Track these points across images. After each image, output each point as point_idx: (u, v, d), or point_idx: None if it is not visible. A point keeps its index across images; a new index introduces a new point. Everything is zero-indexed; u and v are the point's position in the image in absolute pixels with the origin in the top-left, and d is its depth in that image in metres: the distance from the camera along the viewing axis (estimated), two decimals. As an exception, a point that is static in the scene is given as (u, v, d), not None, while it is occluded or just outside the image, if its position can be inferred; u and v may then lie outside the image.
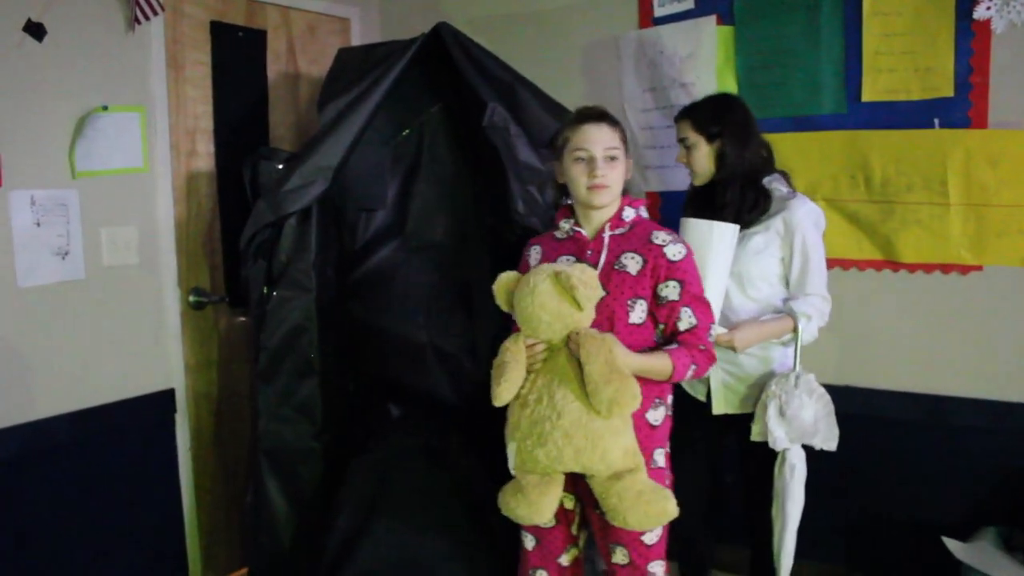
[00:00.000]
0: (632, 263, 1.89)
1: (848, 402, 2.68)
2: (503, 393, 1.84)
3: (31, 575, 2.34)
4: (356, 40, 3.35)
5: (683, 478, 2.17)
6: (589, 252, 1.94)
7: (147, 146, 2.59)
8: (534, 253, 2.08)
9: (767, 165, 2.31)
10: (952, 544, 2.41)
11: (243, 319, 2.92)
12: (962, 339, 2.60)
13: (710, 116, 2.26)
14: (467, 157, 2.82)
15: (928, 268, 2.63)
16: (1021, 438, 2.54)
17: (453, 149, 2.84)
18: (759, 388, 2.26)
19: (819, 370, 2.30)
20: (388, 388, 2.84)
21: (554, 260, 1.98)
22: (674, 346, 1.90)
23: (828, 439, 2.22)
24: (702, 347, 1.91)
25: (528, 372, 1.87)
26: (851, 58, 2.64)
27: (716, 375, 2.28)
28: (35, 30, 2.27)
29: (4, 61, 2.24)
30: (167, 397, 2.71)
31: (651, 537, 1.94)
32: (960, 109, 2.51)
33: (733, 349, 2.18)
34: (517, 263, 2.72)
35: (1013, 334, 2.53)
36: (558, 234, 2.04)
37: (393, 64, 2.55)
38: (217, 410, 2.91)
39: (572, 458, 1.78)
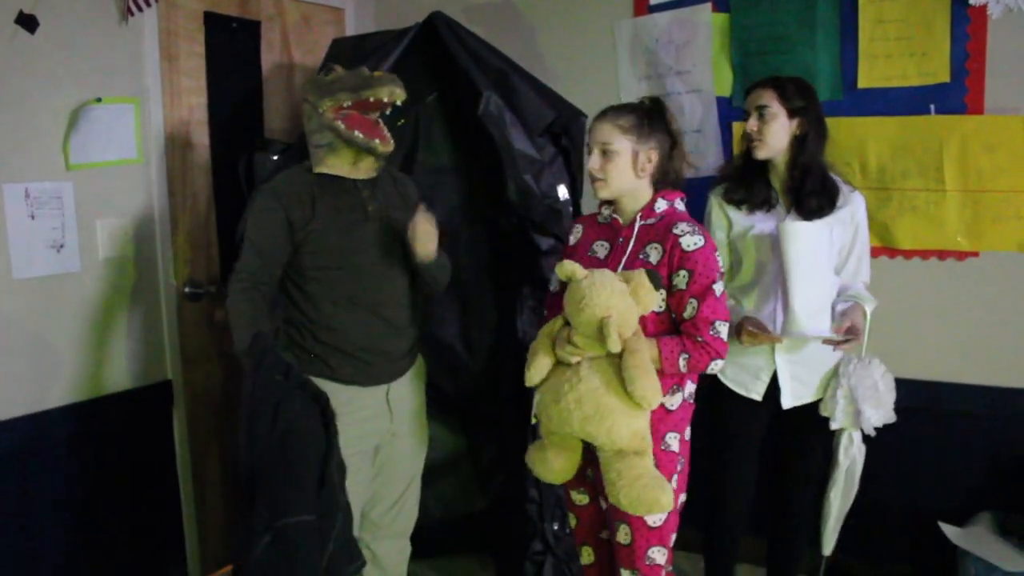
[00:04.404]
0: (654, 253, 1.93)
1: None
2: (535, 376, 1.94)
3: (28, 567, 2.34)
4: (350, 30, 3.33)
5: (731, 477, 2.22)
6: (620, 240, 2.00)
7: (141, 137, 2.58)
8: (576, 231, 2.14)
9: None
10: (948, 529, 2.43)
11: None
12: (959, 325, 2.60)
13: (796, 91, 2.21)
14: (463, 146, 2.81)
15: (925, 254, 2.63)
16: (1017, 424, 2.55)
17: (449, 139, 2.83)
18: (821, 376, 2.25)
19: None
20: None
21: (592, 242, 2.06)
22: (667, 336, 1.90)
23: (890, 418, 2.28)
24: (699, 339, 1.87)
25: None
26: (847, 45, 2.63)
27: (784, 370, 2.23)
28: (27, 22, 2.26)
29: (-3, 53, 2.23)
30: (164, 389, 2.71)
31: (655, 520, 1.95)
32: (956, 95, 2.50)
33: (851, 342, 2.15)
34: (513, 252, 2.72)
35: (1010, 320, 2.54)
36: (599, 218, 2.09)
37: (388, 54, 2.55)
38: (214, 401, 2.90)
39: (579, 423, 1.84)
